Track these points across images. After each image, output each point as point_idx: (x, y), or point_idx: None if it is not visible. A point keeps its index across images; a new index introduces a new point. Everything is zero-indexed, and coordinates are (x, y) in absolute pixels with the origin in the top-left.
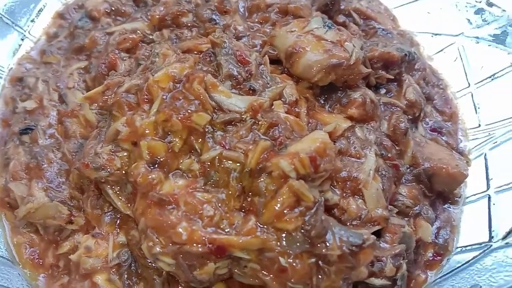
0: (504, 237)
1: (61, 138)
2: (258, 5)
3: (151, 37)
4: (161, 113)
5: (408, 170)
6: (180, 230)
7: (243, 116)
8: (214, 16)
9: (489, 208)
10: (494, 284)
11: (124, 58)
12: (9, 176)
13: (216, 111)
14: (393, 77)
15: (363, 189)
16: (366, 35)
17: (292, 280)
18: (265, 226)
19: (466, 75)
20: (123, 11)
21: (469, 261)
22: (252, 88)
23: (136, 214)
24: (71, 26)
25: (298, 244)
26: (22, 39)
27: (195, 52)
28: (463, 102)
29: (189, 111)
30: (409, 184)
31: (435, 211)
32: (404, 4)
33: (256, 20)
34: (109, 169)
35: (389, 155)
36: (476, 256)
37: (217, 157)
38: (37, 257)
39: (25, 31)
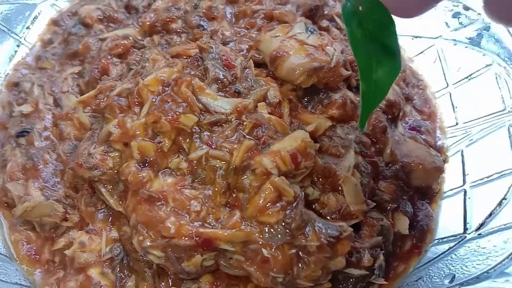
0: (477, 229)
1: (56, 140)
2: (244, 11)
3: (142, 42)
4: (150, 115)
5: (387, 166)
6: (169, 224)
7: (228, 117)
8: (202, 22)
9: (464, 202)
10: (467, 272)
11: (116, 63)
12: (7, 176)
13: (203, 112)
14: None
15: (343, 185)
16: (347, 39)
17: (274, 270)
18: (249, 220)
19: (444, 76)
20: (115, 18)
21: (445, 251)
22: (237, 90)
23: (127, 211)
24: (65, 32)
25: (279, 236)
26: (18, 46)
27: (184, 56)
28: (441, 102)
29: (177, 113)
30: (387, 180)
31: (414, 205)
32: None
33: (243, 25)
34: (101, 169)
35: (368, 152)
36: (452, 247)
37: (204, 156)
38: (33, 253)
39: (20, 37)
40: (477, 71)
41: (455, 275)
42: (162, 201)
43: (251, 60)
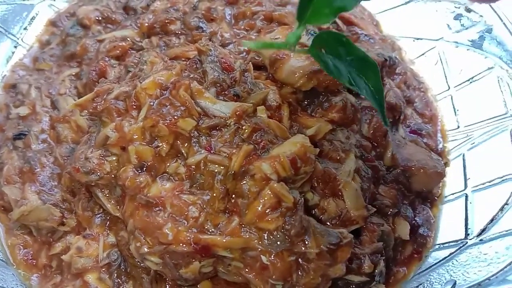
0: (479, 234)
1: (53, 143)
2: (244, 12)
3: (140, 44)
4: (148, 119)
5: (388, 171)
6: (167, 231)
7: (227, 121)
8: (201, 24)
9: (466, 207)
10: (468, 279)
11: (114, 65)
12: (3, 180)
13: (201, 116)
14: None
15: (343, 190)
16: None
17: (273, 277)
18: (248, 226)
19: (446, 78)
20: (113, 19)
21: (446, 257)
22: (236, 94)
23: (125, 216)
24: (63, 33)
25: (278, 243)
26: (15, 47)
27: (183, 58)
28: (443, 105)
29: (175, 117)
30: (388, 184)
31: (414, 210)
32: (387, 10)
33: (242, 27)
34: (99, 173)
35: (369, 156)
36: (453, 252)
37: (202, 160)
38: (30, 257)
39: (18, 38)
40: (479, 74)
41: (456, 281)
42: (160, 207)
43: (250, 62)
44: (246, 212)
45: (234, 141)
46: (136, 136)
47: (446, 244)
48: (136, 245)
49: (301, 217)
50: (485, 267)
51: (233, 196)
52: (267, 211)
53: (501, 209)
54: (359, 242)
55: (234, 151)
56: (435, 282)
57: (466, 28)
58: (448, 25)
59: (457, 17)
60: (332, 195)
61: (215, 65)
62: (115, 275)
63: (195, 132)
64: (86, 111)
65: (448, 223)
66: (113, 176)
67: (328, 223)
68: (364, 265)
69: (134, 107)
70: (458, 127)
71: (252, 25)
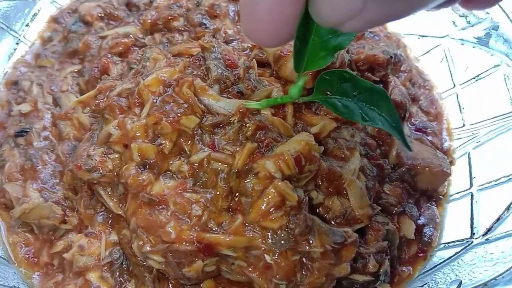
0: (485, 234)
1: (55, 140)
2: None
3: (143, 41)
4: (151, 116)
5: (393, 169)
6: (169, 229)
7: (231, 119)
8: (204, 21)
9: (471, 206)
10: (474, 279)
11: (117, 62)
12: (5, 177)
13: (204, 114)
14: (379, 79)
15: (348, 188)
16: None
17: (277, 277)
18: (252, 225)
19: (451, 76)
20: (115, 15)
21: (451, 257)
22: (240, 91)
23: (127, 214)
24: (65, 30)
25: (282, 242)
26: (17, 43)
27: (186, 55)
28: (448, 103)
29: (178, 114)
30: (393, 182)
31: (419, 209)
32: None
33: None
34: (101, 171)
35: (374, 154)
36: (458, 252)
37: (206, 158)
38: (32, 256)
39: (20, 35)
40: (485, 71)
41: (461, 281)
42: (163, 205)
43: (254, 59)
44: (250, 210)
45: (238, 139)
46: (139, 134)
47: (452, 244)
48: (139, 244)
49: (305, 216)
50: (491, 266)
51: (237, 194)
52: (271, 210)
53: (507, 208)
54: (364, 241)
55: (237, 149)
56: (440, 281)
57: (472, 25)
58: (454, 22)
59: (463, 14)
60: (337, 194)
61: (219, 62)
62: (117, 273)
63: (199, 130)
64: (89, 108)
65: (454, 222)
66: (115, 174)
67: (333, 222)
68: (369, 265)
69: (137, 104)
70: (464, 125)
71: None
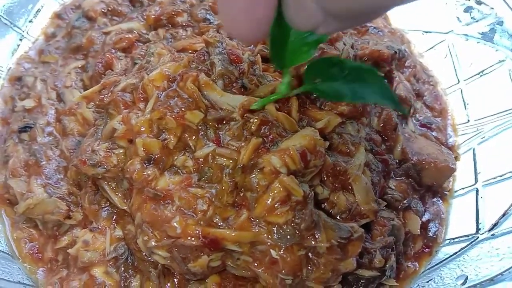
0: (490, 229)
1: (59, 135)
2: None
3: (147, 36)
4: (155, 111)
5: (398, 164)
6: (175, 224)
7: (235, 114)
8: (208, 16)
9: (476, 201)
10: (480, 274)
11: (121, 58)
12: (9, 173)
13: (209, 109)
14: (383, 75)
15: (353, 183)
16: (358, 33)
17: (283, 272)
18: (257, 220)
19: (455, 72)
20: (119, 11)
21: (456, 252)
22: (244, 86)
23: (132, 209)
24: (69, 26)
25: (288, 237)
26: (21, 39)
27: (190, 51)
28: (452, 98)
29: (182, 109)
30: (398, 178)
31: (425, 204)
32: None
33: None
34: (105, 166)
35: (379, 150)
36: (464, 247)
37: (211, 154)
38: (36, 251)
39: (23, 31)
40: (490, 67)
41: (467, 276)
42: (168, 200)
43: (258, 54)
44: (255, 205)
45: (243, 135)
46: (144, 129)
47: (457, 239)
48: (144, 239)
49: (311, 211)
50: (497, 262)
51: (242, 189)
52: (276, 205)
53: None
54: (370, 236)
55: (242, 144)
56: (446, 277)
57: (477, 21)
58: (458, 18)
59: (467, 9)
60: (342, 189)
61: (223, 57)
62: (122, 269)
63: (203, 125)
64: (93, 103)
65: (459, 218)
66: (120, 169)
67: (338, 217)
68: (375, 260)
69: (141, 99)
70: (468, 121)
71: None
